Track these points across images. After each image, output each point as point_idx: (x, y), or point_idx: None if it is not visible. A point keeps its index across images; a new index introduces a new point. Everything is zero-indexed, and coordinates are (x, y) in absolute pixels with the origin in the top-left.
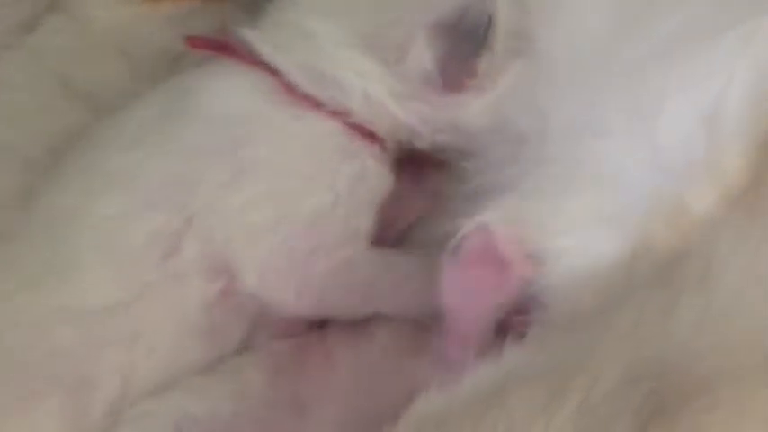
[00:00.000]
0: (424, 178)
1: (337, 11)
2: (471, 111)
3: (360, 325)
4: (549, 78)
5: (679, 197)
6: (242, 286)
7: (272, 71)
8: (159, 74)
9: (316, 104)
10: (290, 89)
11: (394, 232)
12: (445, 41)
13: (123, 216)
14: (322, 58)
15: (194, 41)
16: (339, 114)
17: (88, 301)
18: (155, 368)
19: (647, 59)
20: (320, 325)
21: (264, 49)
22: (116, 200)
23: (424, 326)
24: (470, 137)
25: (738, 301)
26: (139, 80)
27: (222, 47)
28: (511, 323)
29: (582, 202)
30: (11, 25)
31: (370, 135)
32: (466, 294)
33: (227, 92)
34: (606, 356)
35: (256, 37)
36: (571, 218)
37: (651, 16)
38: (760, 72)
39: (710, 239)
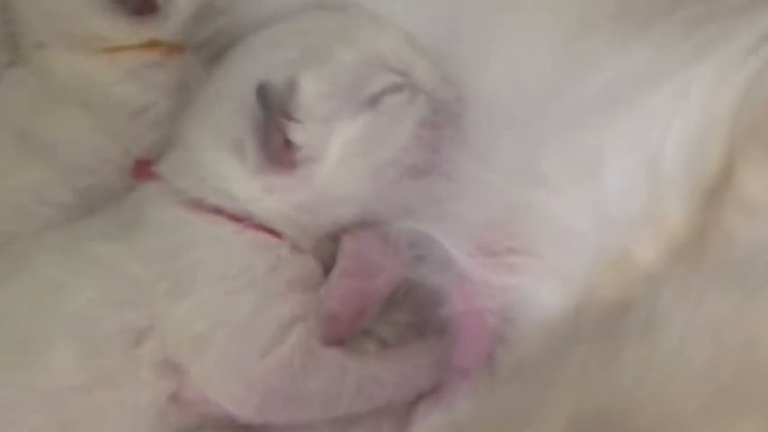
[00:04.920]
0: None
1: (208, 117)
2: (320, 181)
3: None
4: (488, 124)
5: (622, 248)
6: (191, 393)
7: (178, 191)
8: (119, 127)
9: (219, 212)
10: (195, 203)
11: (373, 307)
12: (256, 126)
13: (97, 306)
14: (208, 170)
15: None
16: (242, 219)
17: (53, 382)
18: None
19: (585, 110)
20: None
21: (168, 172)
22: (93, 289)
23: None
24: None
25: (680, 352)
26: (99, 133)
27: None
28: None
29: (525, 253)
30: None
31: (275, 233)
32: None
33: (161, 208)
34: (550, 409)
35: (166, 162)
36: (515, 269)
37: (589, 67)
38: (698, 122)
39: (654, 290)
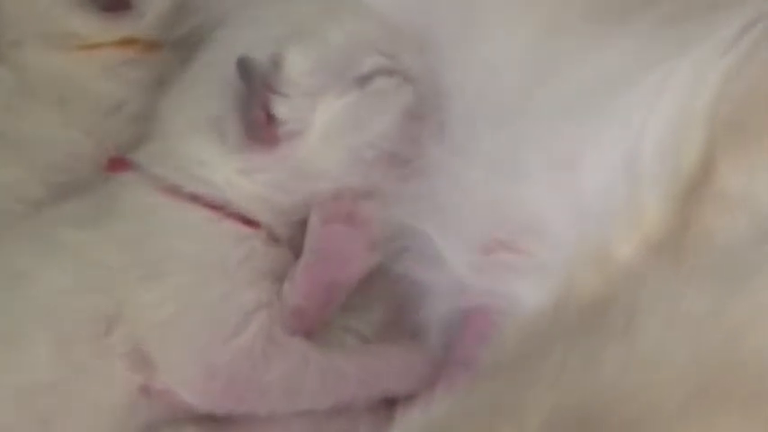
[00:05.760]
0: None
1: (183, 100)
2: (303, 156)
3: None
4: (467, 119)
5: (602, 244)
6: (160, 384)
7: (155, 178)
8: (94, 123)
9: (196, 200)
10: (172, 190)
11: (340, 298)
12: (238, 100)
13: (69, 295)
14: (184, 156)
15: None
16: (219, 207)
17: (27, 376)
18: None
19: (564, 106)
20: None
21: (144, 161)
22: (65, 277)
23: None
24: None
25: (661, 346)
26: (74, 130)
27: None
28: None
29: (507, 249)
30: None
31: (252, 222)
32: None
33: (136, 194)
34: (530, 406)
35: (142, 153)
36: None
37: (567, 62)
38: (676, 118)
39: (634, 286)
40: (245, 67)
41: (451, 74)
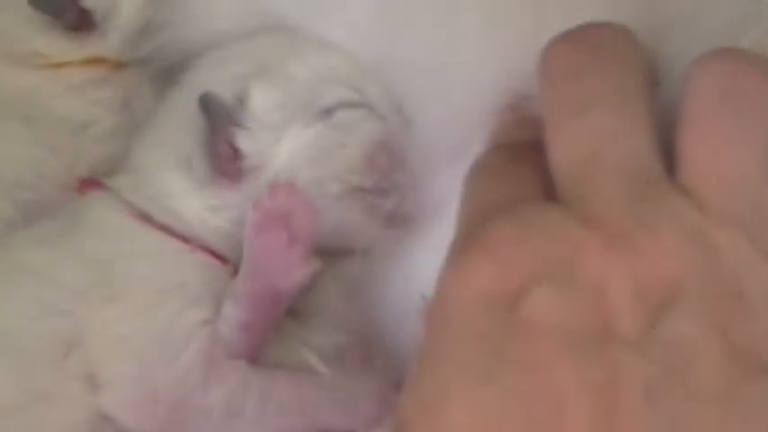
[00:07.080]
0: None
1: (157, 136)
2: (263, 190)
3: None
4: (429, 150)
5: None
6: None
7: (126, 203)
8: (61, 142)
9: (165, 230)
10: (144, 218)
11: (283, 306)
12: (203, 136)
13: (28, 318)
14: (156, 189)
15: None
16: (190, 240)
17: None
18: None
19: None
20: None
21: (115, 187)
22: (24, 300)
23: None
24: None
25: None
26: (41, 148)
27: (94, 186)
28: None
29: None
30: None
31: (221, 257)
32: None
33: (106, 214)
34: None
35: (113, 182)
36: None
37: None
38: None
39: None
40: (206, 103)
41: (415, 106)
